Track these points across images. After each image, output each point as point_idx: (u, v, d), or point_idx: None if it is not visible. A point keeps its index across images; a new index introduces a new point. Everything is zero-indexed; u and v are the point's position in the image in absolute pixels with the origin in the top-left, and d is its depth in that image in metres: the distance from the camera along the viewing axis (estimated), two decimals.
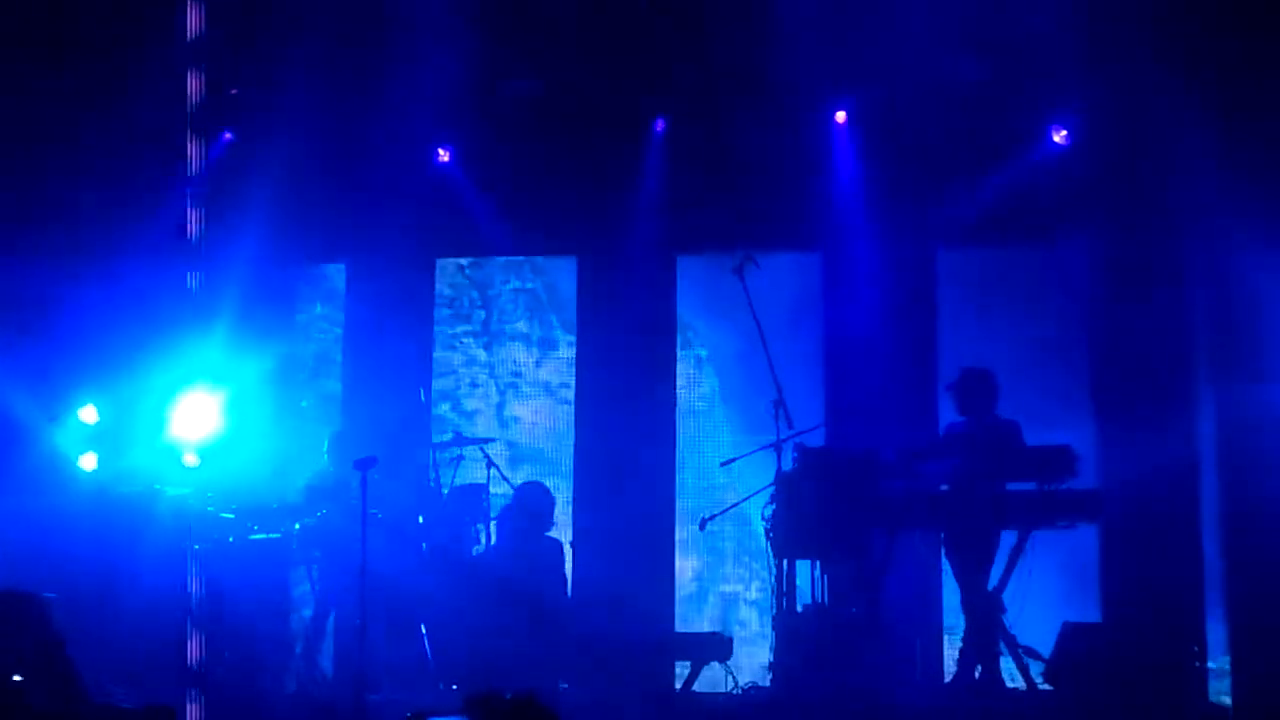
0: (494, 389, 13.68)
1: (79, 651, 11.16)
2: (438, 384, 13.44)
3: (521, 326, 13.82)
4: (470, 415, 13.60)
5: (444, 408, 13.51)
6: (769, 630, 11.15)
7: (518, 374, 13.72)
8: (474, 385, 13.61)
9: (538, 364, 13.72)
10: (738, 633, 12.52)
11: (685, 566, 13.03)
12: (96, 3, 12.36)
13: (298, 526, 11.81)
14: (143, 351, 12.49)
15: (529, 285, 13.84)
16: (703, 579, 13.33)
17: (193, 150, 12.82)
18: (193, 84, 12.30)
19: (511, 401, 13.69)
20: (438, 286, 13.59)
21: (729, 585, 13.34)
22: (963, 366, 11.38)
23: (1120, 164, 12.04)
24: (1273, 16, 11.50)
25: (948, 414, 11.44)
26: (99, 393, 12.43)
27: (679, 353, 13.25)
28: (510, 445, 13.33)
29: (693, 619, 13.05)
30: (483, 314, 13.84)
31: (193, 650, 11.03)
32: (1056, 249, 12.52)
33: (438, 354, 13.49)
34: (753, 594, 13.08)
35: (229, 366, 12.37)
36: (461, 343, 13.80)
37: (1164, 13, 11.45)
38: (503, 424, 13.62)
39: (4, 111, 12.46)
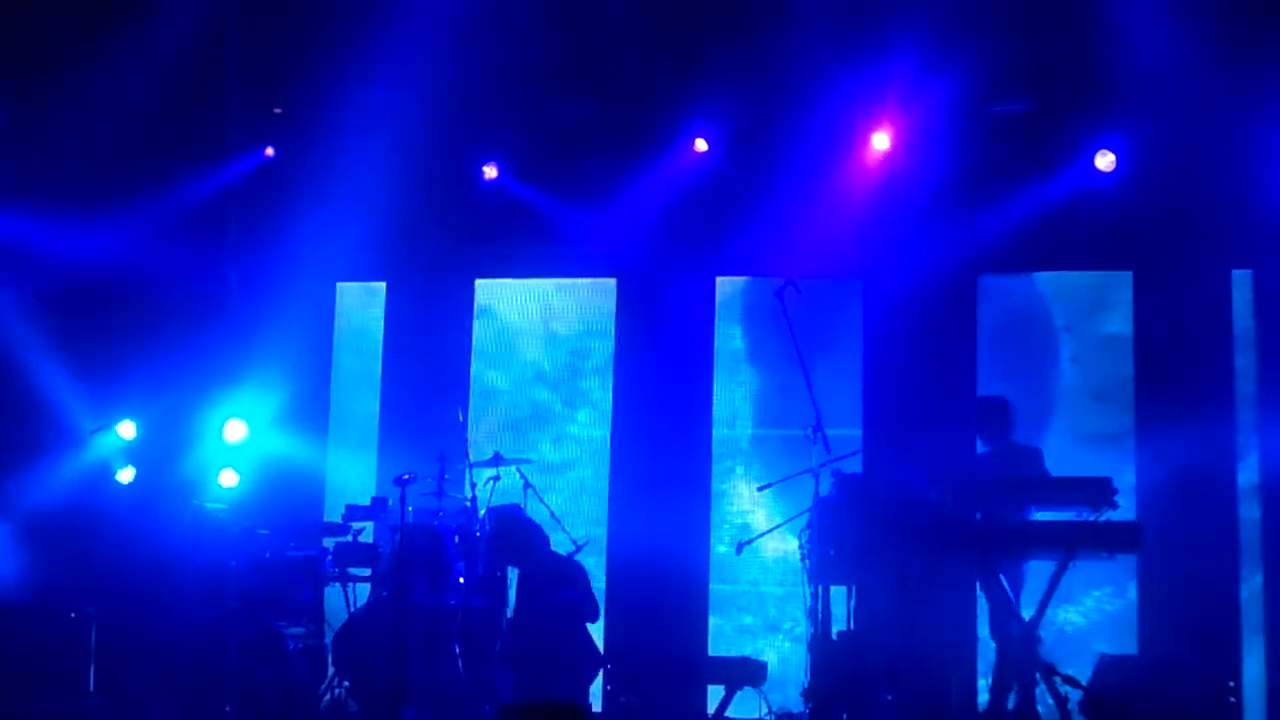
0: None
1: (119, 665, 11.36)
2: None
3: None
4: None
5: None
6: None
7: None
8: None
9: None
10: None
11: None
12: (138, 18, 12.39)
13: (331, 544, 11.87)
14: (183, 367, 12.59)
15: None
16: None
17: (234, 166, 13.01)
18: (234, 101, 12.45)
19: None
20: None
21: None
22: (979, 396, 11.41)
23: (1166, 192, 12.04)
24: None
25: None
26: (139, 408, 12.51)
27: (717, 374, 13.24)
28: (548, 466, 13.24)
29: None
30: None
31: (228, 665, 11.07)
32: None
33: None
34: None
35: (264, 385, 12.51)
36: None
37: (1212, 42, 11.43)
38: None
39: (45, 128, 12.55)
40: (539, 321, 13.45)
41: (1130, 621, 12.00)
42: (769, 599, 12.56)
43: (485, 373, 13.38)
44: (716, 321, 13.15)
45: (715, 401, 13.11)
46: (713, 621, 12.74)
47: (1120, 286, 12.51)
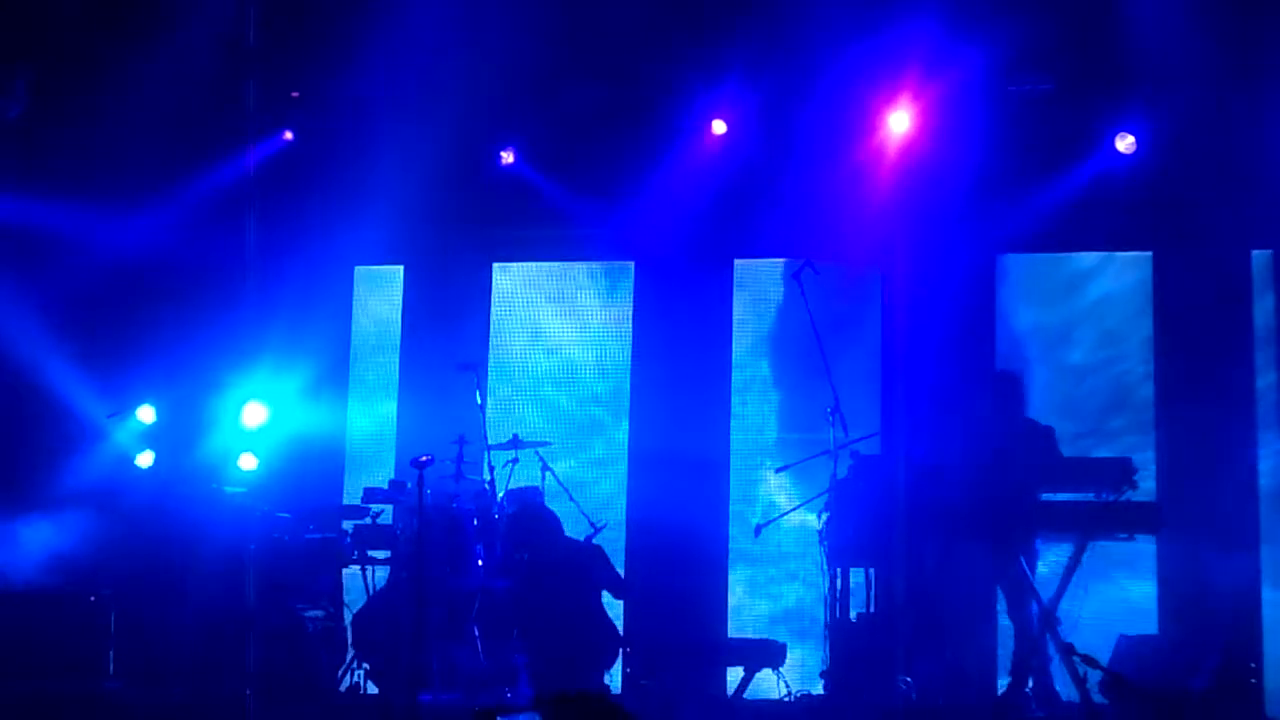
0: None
1: (139, 648, 11.39)
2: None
3: None
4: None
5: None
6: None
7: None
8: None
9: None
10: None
11: None
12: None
13: (350, 526, 11.89)
14: (201, 352, 12.61)
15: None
16: None
17: (252, 151, 13.00)
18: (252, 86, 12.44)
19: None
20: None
21: None
22: (995, 371, 11.42)
23: (1186, 173, 12.02)
24: None
25: None
26: (158, 392, 12.55)
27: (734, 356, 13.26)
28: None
29: None
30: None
31: (248, 648, 11.09)
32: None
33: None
34: None
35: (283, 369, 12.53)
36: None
37: (1232, 23, 11.39)
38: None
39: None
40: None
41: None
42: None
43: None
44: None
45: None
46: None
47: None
